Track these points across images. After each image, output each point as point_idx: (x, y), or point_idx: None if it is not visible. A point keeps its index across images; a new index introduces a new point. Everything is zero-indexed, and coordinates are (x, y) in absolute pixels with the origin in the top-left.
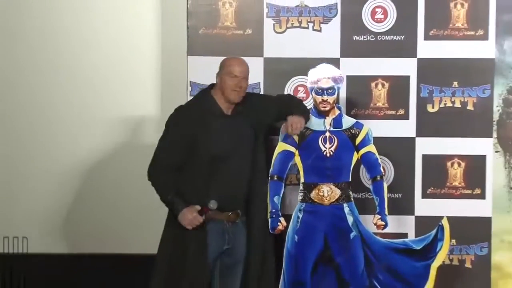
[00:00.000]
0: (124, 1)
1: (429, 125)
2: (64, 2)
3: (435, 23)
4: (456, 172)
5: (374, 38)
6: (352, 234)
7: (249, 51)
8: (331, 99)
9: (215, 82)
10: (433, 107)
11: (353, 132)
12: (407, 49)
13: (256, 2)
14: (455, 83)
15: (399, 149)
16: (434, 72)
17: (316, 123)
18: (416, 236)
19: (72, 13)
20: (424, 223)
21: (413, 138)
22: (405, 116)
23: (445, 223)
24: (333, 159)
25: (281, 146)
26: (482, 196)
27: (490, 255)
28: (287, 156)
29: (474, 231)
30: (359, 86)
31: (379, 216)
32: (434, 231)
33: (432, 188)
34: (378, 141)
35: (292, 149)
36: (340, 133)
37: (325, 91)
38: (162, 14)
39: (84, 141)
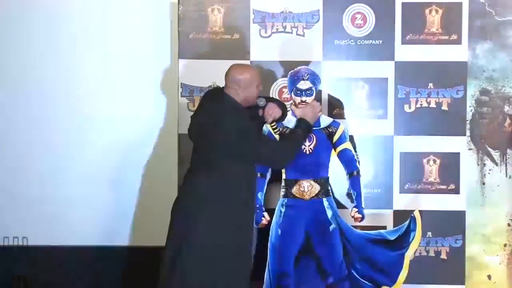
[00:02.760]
0: (120, 10)
1: (406, 124)
2: (61, 12)
3: (411, 28)
4: (432, 169)
5: (354, 43)
6: (331, 227)
7: (237, 55)
8: (309, 99)
9: (226, 91)
10: (410, 107)
11: (330, 130)
12: (385, 53)
13: (243, 9)
14: (431, 85)
15: (378, 147)
16: (411, 74)
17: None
18: None
19: (69, 22)
20: (402, 217)
21: (391, 136)
22: (384, 116)
23: (416, 214)
24: (312, 156)
25: None
26: (456, 191)
27: (464, 247)
28: None
29: (449, 224)
30: (340, 87)
31: (356, 209)
32: (407, 223)
33: (409, 183)
34: (358, 139)
35: None
36: (318, 132)
37: (303, 92)
38: (154, 20)
39: (79, 140)
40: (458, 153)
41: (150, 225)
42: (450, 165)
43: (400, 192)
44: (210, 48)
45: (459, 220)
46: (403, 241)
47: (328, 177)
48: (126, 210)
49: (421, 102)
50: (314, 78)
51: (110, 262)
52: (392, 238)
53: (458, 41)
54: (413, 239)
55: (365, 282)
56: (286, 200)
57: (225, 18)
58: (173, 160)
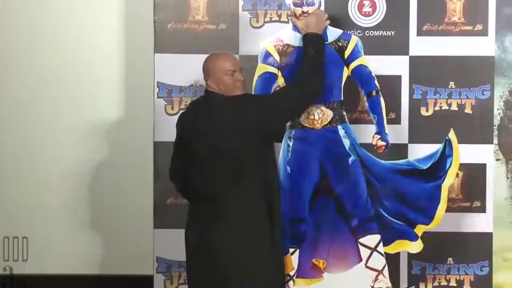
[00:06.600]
0: None
1: (423, 130)
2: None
3: (429, 17)
4: (453, 183)
5: (361, 34)
6: (351, 159)
7: (223, 48)
8: (311, 9)
9: (209, 87)
10: (427, 110)
11: (340, 44)
12: (398, 46)
13: None
14: (452, 84)
15: (390, 156)
16: (428, 72)
17: (298, 38)
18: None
19: (26, 5)
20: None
21: (406, 144)
22: (396, 121)
23: (452, 136)
24: None
25: (261, 68)
26: (482, 209)
27: (491, 275)
28: (268, 78)
29: (474, 248)
30: (345, 86)
31: (379, 136)
32: (441, 147)
33: None
34: (368, 148)
35: (274, 70)
36: (326, 47)
37: (304, 2)
38: (126, 7)
39: (47, 147)
40: (484, 164)
41: (120, 252)
42: (474, 179)
43: None
44: (192, 40)
45: (486, 244)
46: (438, 170)
47: (342, 100)
48: (94, 234)
49: (441, 104)
50: None
51: None
52: (424, 167)
53: (483, 33)
54: (450, 166)
55: (397, 222)
56: (293, 132)
57: (209, 5)
58: (148, 172)
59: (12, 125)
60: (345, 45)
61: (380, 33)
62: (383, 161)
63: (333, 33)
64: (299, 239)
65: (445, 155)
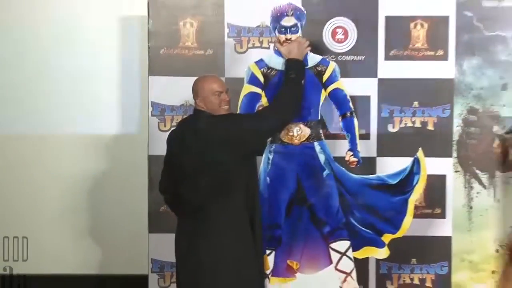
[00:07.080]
0: (84, 21)
1: (390, 145)
2: (19, 19)
3: (396, 43)
4: None
5: (335, 58)
6: (325, 173)
7: (211, 71)
8: (294, 37)
9: (197, 106)
10: (393, 127)
11: (319, 69)
12: (367, 69)
13: (217, 23)
14: (415, 103)
15: (360, 169)
16: (395, 92)
17: (280, 63)
18: None
19: (28, 31)
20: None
21: (374, 158)
22: (366, 136)
23: (420, 155)
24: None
25: (247, 88)
26: (442, 215)
27: (451, 275)
28: (253, 98)
29: (435, 250)
30: (322, 106)
31: (351, 153)
32: (409, 165)
33: None
34: (340, 161)
35: (258, 90)
36: (306, 71)
37: (288, 29)
38: (122, 34)
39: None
40: (444, 175)
41: (118, 254)
42: (435, 188)
43: None
44: (182, 64)
45: (445, 246)
46: (406, 185)
47: (319, 119)
48: (93, 238)
49: (406, 121)
50: (299, 14)
51: None
52: (393, 182)
53: (444, 57)
54: (417, 182)
55: (366, 230)
56: (273, 146)
57: (198, 33)
58: (143, 184)
59: (16, 131)
60: (323, 70)
61: (351, 58)
62: (355, 176)
63: (313, 59)
64: (276, 243)
65: (413, 173)
